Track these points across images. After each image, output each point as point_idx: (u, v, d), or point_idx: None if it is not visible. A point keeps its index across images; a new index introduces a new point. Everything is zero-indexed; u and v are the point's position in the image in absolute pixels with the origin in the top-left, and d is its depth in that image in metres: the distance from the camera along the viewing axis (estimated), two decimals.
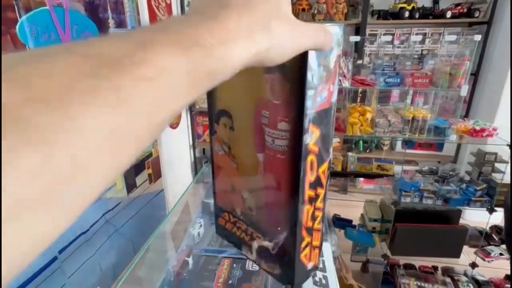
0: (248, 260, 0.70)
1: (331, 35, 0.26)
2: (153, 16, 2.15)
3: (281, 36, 0.21)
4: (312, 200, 0.32)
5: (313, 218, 0.34)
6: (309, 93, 0.27)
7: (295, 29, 0.22)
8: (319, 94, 0.28)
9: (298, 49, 0.23)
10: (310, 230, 0.34)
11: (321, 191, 0.33)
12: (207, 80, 0.17)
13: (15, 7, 1.10)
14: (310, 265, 0.36)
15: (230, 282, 0.64)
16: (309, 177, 0.31)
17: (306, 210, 0.32)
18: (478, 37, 1.26)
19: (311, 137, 0.29)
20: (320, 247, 0.37)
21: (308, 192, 0.31)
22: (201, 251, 0.74)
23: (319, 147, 0.30)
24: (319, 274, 0.57)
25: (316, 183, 0.32)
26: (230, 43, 0.18)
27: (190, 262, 0.69)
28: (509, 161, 1.43)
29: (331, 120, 0.31)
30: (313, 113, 0.28)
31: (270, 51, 0.20)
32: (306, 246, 0.34)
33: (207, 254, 0.72)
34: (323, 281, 0.55)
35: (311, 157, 0.30)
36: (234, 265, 0.68)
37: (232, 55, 0.18)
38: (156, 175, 2.22)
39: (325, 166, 0.32)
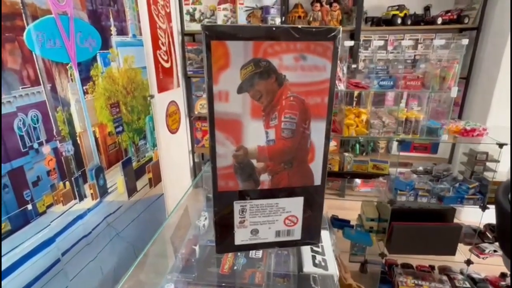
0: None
1: None
2: (153, 24, 2.21)
3: None
4: None
5: None
6: None
7: None
8: None
9: None
10: None
11: None
12: None
13: (23, 15, 1.15)
14: None
15: (235, 268, 0.68)
16: None
17: None
18: (465, 41, 1.34)
19: None
20: None
21: None
22: (206, 242, 0.78)
23: None
24: (318, 257, 0.61)
25: None
26: None
27: (197, 251, 0.73)
28: (510, 161, 1.50)
29: None
30: None
31: None
32: None
33: (212, 244, 0.76)
34: (323, 263, 0.59)
35: None
36: (239, 253, 0.72)
37: None
38: (156, 179, 2.25)
39: None
